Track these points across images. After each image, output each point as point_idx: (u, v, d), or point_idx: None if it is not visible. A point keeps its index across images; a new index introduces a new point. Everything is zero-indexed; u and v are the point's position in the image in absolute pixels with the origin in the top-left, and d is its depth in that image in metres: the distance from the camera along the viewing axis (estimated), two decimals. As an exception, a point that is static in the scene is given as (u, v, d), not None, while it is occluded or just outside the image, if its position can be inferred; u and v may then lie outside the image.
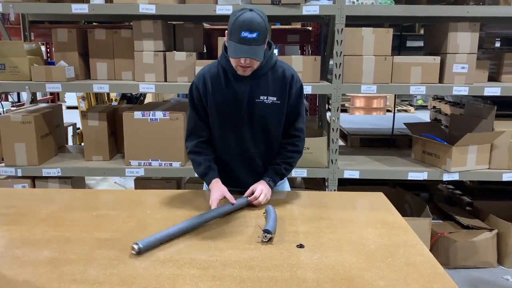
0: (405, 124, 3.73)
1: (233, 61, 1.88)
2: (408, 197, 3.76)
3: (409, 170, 3.25)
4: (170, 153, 3.18)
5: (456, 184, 4.34)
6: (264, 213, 1.90)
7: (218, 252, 1.54)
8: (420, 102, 11.18)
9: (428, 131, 3.54)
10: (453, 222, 3.55)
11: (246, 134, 2.03)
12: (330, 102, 3.30)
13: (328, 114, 3.76)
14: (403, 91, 3.21)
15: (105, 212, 1.93)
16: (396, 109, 4.53)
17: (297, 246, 1.60)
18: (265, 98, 1.98)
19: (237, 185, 2.12)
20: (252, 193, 1.98)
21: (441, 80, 3.14)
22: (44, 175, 3.23)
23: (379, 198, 2.16)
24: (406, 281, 1.37)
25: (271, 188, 2.04)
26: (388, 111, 9.95)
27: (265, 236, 1.64)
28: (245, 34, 1.75)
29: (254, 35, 1.76)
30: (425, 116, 7.01)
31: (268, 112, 2.00)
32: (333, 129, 3.13)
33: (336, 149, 3.15)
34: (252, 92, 1.97)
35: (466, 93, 3.10)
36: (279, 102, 1.99)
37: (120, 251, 1.55)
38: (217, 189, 1.99)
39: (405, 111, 10.49)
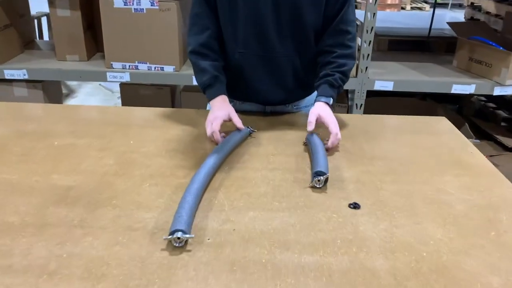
0: (448, 23, 3.06)
1: None
2: (441, 112, 3.23)
3: (453, 81, 2.66)
4: (161, 54, 2.55)
5: (490, 95, 3.79)
6: (304, 142, 1.37)
7: (234, 217, 1.03)
8: (438, -2, 10.14)
9: (476, 33, 2.89)
10: (492, 142, 3.07)
11: (270, 26, 1.42)
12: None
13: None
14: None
15: (71, 141, 1.38)
16: (410, 6, 3.80)
17: (349, 205, 1.08)
18: None
19: (255, 99, 1.57)
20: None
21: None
22: (7, 77, 2.62)
23: (444, 125, 1.61)
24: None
25: (331, 108, 1.45)
26: (402, 8, 9.03)
27: (318, 181, 1.13)
28: None
29: None
30: (445, 17, 6.21)
31: None
32: (367, 30, 2.48)
33: (369, 54, 2.54)
34: None
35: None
36: None
37: (88, 211, 1.03)
38: (222, 109, 1.42)
39: (419, 8, 9.52)
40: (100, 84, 4.35)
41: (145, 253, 0.90)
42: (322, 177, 1.13)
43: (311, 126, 1.37)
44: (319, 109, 1.41)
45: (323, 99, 1.44)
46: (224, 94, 1.50)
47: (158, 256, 0.89)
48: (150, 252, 0.90)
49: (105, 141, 1.38)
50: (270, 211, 1.05)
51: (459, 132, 1.54)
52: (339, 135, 1.36)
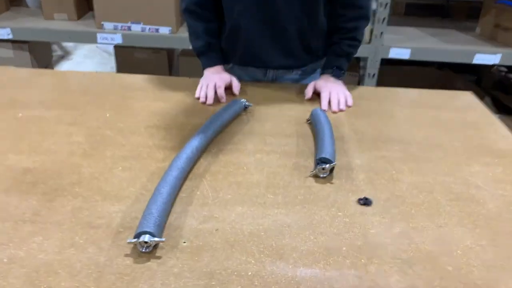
0: (473, -14, 2.78)
1: None
2: (459, 83, 2.99)
3: (476, 50, 2.42)
4: (156, 14, 2.32)
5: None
6: (308, 120, 1.18)
7: (219, 212, 0.85)
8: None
9: (504, -3, 2.62)
10: (513, 117, 2.84)
11: None
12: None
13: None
14: None
15: (38, 113, 1.19)
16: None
17: (358, 201, 0.90)
18: None
19: (255, 63, 1.42)
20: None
21: None
22: (-10, 37, 2.43)
23: (470, 101, 1.40)
24: None
25: (340, 79, 1.37)
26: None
27: (322, 169, 0.94)
28: None
29: None
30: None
31: None
32: (384, -12, 2.23)
33: (384, 18, 2.30)
34: None
35: None
36: None
37: (43, 201, 0.85)
38: (218, 77, 1.28)
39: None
40: (97, 46, 4.12)
41: (104, 259, 0.73)
42: (327, 166, 0.95)
43: (307, 96, 1.33)
44: (318, 80, 1.36)
45: (328, 70, 1.36)
46: (220, 64, 1.35)
47: (119, 264, 0.72)
48: (111, 258, 0.73)
49: (78, 113, 1.19)
50: (263, 206, 0.87)
51: (487, 110, 1.33)
52: (335, 107, 1.29)
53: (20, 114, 1.17)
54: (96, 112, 1.20)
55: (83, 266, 0.71)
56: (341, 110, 1.28)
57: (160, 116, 1.19)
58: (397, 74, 2.90)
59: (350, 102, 1.32)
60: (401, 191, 0.94)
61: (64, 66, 3.75)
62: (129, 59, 2.78)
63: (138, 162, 0.99)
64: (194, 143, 0.99)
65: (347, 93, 1.34)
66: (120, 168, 0.97)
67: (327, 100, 1.30)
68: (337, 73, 1.36)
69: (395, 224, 0.84)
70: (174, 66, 2.85)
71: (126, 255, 0.74)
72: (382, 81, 2.43)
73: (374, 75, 2.45)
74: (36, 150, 1.02)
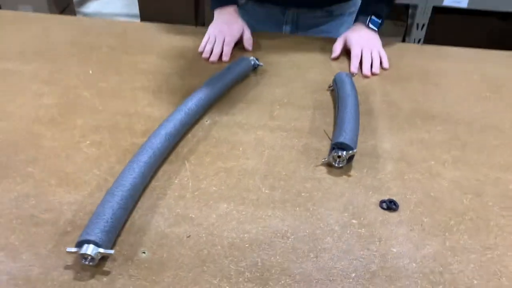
0: None
1: None
2: (524, 38, 2.59)
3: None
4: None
5: None
6: (330, 86, 0.96)
7: (196, 210, 0.66)
8: None
9: None
10: None
11: None
12: None
13: None
14: None
15: (13, 66, 1.02)
16: None
17: (381, 204, 0.69)
18: None
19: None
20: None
21: None
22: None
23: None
24: None
25: (377, 30, 1.14)
26: None
27: (338, 157, 0.73)
28: None
29: None
30: None
31: None
32: None
33: (441, -42, 1.95)
34: None
35: None
36: None
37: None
38: (232, 23, 1.07)
39: None
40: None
41: (38, 271, 0.57)
42: (344, 153, 0.73)
43: (334, 53, 1.11)
44: (350, 31, 1.13)
45: (363, 18, 1.13)
46: (233, 3, 1.14)
47: (55, 280, 0.56)
48: (46, 270, 0.57)
49: (56, 68, 1.02)
50: (254, 204, 0.68)
51: None
52: (375, 68, 1.06)
53: (-16, 68, 1.01)
54: (77, 67, 1.02)
55: (8, 280, 0.55)
56: (374, 74, 1.04)
57: (152, 75, 1.00)
58: (451, 26, 2.53)
59: (385, 64, 1.07)
60: (439, 191, 0.71)
61: (91, 7, 3.58)
62: (154, 2, 2.56)
63: (111, 135, 0.81)
64: (179, 114, 0.80)
65: (383, 52, 1.09)
66: (88, 142, 0.79)
67: (358, 60, 1.07)
68: (374, 22, 1.12)
69: (426, 240, 0.63)
70: (200, 14, 2.60)
71: (67, 267, 0.58)
72: (433, 34, 2.11)
73: (423, 26, 2.13)
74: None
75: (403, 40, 2.36)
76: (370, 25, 1.12)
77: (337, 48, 1.11)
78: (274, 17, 1.25)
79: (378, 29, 1.13)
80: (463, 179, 0.74)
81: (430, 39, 2.18)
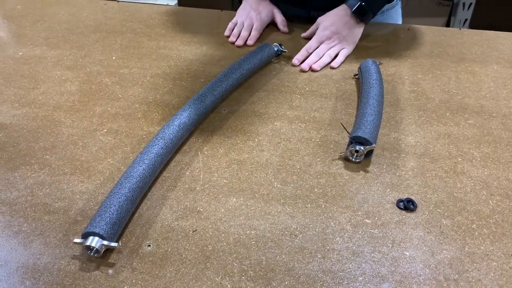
0: None
1: None
2: None
3: None
4: None
5: None
6: (355, 75, 0.92)
7: (205, 204, 0.65)
8: None
9: None
10: None
11: None
12: None
13: None
14: None
15: (38, 52, 1.04)
16: None
17: (398, 203, 0.65)
18: None
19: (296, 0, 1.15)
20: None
21: None
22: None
23: None
24: None
25: (363, 21, 1.00)
26: None
27: (356, 152, 0.70)
28: None
29: None
30: None
31: None
32: None
33: None
34: None
35: None
36: None
37: (2, 172, 0.71)
38: (257, 16, 1.04)
39: None
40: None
41: (46, 259, 0.58)
42: (362, 148, 0.70)
43: (304, 34, 1.09)
44: (325, 15, 1.04)
45: (350, 1, 0.99)
46: None
47: (61, 270, 0.57)
48: (54, 259, 0.58)
49: (81, 54, 1.03)
50: (264, 199, 0.66)
51: None
52: (317, 64, 0.96)
53: (20, 53, 1.03)
54: (101, 54, 1.02)
55: (17, 268, 0.57)
56: (313, 70, 0.95)
57: (173, 61, 0.99)
58: (500, 6, 2.37)
59: (334, 64, 0.97)
60: (464, 191, 0.67)
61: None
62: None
63: (128, 123, 0.81)
64: (195, 104, 0.78)
65: (346, 51, 0.99)
66: (105, 130, 0.79)
67: (307, 53, 0.99)
68: (362, 10, 0.98)
69: (443, 245, 0.59)
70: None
71: (74, 257, 0.58)
72: (480, 14, 1.98)
73: (470, 5, 2.00)
74: (20, 101, 0.87)
75: (448, 21, 2.23)
76: (355, 13, 0.98)
77: (309, 30, 1.07)
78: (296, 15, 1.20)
79: (363, 18, 0.99)
80: (491, 178, 0.69)
81: (477, 19, 2.05)
